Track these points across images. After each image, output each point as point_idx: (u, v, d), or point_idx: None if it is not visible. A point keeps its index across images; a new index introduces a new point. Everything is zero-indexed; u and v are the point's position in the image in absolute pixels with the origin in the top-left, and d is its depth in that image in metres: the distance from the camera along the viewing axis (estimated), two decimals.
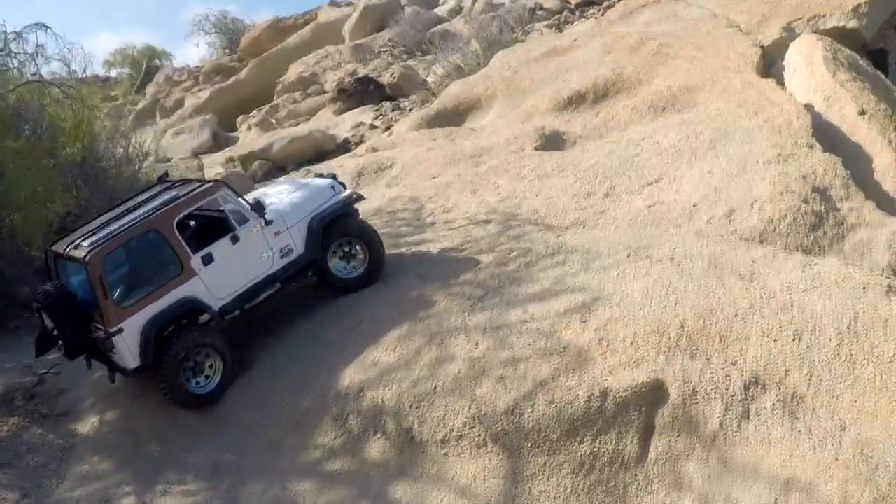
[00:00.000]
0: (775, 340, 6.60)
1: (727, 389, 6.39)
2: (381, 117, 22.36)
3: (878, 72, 14.10)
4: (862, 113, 11.54)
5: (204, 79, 37.13)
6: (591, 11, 27.16)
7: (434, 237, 10.70)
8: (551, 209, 10.64)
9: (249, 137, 25.49)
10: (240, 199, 9.07)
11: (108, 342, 8.30)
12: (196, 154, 25.34)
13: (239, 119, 28.42)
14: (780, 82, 13.18)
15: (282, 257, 9.06)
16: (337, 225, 9.37)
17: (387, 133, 18.62)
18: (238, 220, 8.88)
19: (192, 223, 9.48)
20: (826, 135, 11.14)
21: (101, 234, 8.54)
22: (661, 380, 6.56)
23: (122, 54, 47.77)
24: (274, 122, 26.06)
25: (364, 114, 23.12)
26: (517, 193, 11.51)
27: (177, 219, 8.64)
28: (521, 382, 6.84)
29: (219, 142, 26.70)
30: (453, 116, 17.20)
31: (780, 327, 6.65)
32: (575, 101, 14.82)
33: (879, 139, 10.99)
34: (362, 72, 26.41)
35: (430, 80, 22.90)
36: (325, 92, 26.71)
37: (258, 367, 8.80)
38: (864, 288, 6.89)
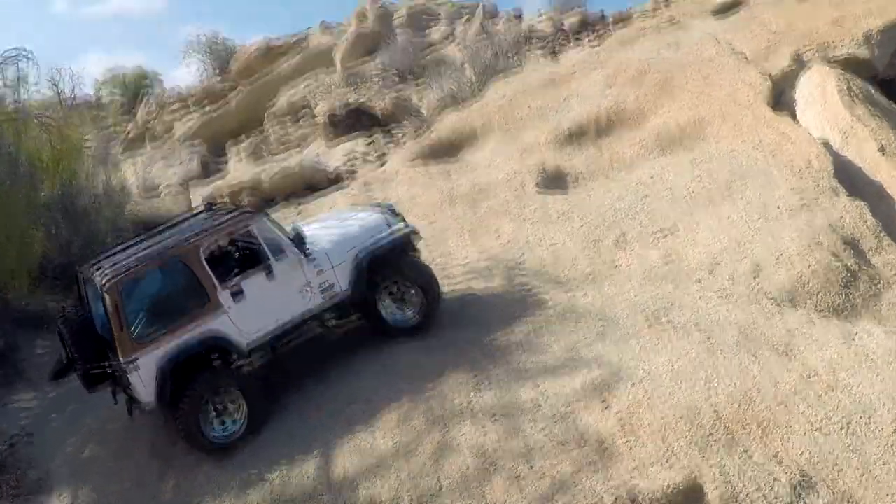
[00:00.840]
0: (822, 431, 5.88)
1: (772, 490, 5.65)
2: (373, 146, 21.69)
3: (892, 102, 13.56)
4: (882, 150, 10.93)
5: (194, 103, 36.48)
6: (584, 34, 26.70)
7: None
8: (558, 260, 9.93)
9: (240, 167, 24.78)
10: (278, 230, 8.38)
11: (123, 375, 7.66)
12: (185, 183, 24.65)
13: (228, 145, 27.74)
14: (792, 115, 12.58)
15: (322, 294, 8.31)
16: (388, 263, 8.57)
17: (379, 166, 17.93)
18: (275, 253, 8.16)
19: (237, 254, 8.78)
20: (845, 173, 10.50)
21: (124, 260, 7.94)
22: (697, 480, 5.81)
23: (113, 76, 47.08)
24: (264, 149, 25.38)
25: (356, 143, 22.41)
26: (520, 240, 10.81)
27: (204, 248, 8.01)
28: (538, 482, 6.06)
29: (208, 171, 25.99)
30: (448, 148, 16.52)
31: (828, 415, 5.93)
32: (576, 135, 14.14)
33: None
34: (354, 99, 25.76)
35: (423, 107, 22.24)
36: (315, 118, 26.04)
37: (244, 444, 7.99)
38: None
